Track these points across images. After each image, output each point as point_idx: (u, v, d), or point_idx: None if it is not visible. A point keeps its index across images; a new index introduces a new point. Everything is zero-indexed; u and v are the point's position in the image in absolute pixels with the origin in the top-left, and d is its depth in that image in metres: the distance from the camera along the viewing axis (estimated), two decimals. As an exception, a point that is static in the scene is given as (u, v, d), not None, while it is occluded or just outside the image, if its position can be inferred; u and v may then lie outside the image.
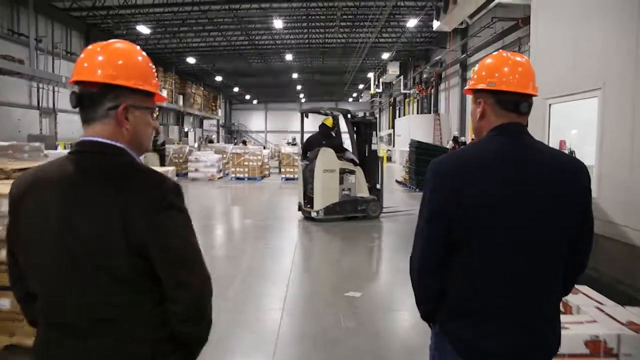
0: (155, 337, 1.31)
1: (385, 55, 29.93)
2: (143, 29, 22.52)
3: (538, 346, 1.53)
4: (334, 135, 10.37)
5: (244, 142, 31.85)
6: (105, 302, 1.27)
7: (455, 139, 18.17)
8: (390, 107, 41.66)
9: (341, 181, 9.48)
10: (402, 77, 33.80)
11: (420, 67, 31.55)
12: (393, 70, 31.73)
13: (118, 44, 1.34)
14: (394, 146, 34.32)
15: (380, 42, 29.30)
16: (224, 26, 27.27)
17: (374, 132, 10.05)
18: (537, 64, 5.85)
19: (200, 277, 1.32)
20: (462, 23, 18.85)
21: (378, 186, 9.98)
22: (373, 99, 46.30)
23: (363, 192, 9.74)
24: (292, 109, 59.04)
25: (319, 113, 10.85)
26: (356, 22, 26.45)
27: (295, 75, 40.83)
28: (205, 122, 46.89)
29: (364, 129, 10.18)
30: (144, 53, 1.39)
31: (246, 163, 18.82)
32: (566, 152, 6.37)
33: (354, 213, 9.69)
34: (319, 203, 9.38)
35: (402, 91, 33.79)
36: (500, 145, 1.53)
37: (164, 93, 27.67)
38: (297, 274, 6.29)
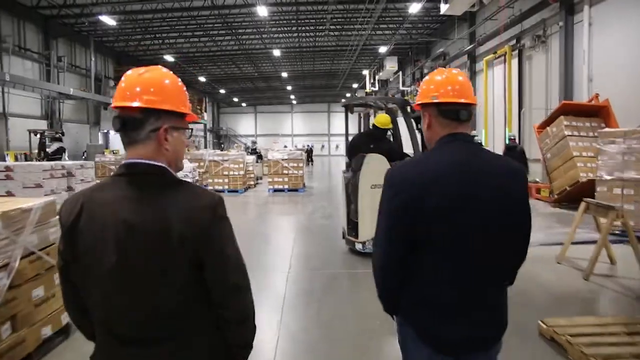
0: (210, 342, 1.43)
1: (383, 49, 27.35)
2: (108, 20, 19.63)
3: (486, 334, 1.71)
4: (389, 137, 7.43)
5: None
6: (165, 309, 1.35)
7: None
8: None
9: None
10: (400, 72, 31.23)
11: (421, 62, 29.15)
12: (391, 65, 29.23)
13: (155, 70, 1.45)
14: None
15: (377, 34, 26.76)
16: (213, 31, 25.69)
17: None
18: None
19: (247, 282, 1.48)
20: (473, 5, 16.15)
21: None
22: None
23: None
24: (283, 111, 57.15)
25: (367, 106, 7.93)
26: (346, 26, 25.31)
27: (285, 76, 38.49)
28: (191, 126, 44.11)
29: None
30: (179, 79, 1.48)
31: (225, 173, 15.97)
32: None
33: None
34: (365, 231, 6.55)
35: (401, 88, 31.18)
36: (450, 155, 1.68)
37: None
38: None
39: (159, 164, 1.41)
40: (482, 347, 1.73)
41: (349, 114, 7.80)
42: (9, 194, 10.47)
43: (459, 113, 1.71)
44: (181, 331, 1.38)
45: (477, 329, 1.68)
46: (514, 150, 11.64)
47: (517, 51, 16.87)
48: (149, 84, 1.39)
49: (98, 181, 1.56)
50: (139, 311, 1.35)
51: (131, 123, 1.38)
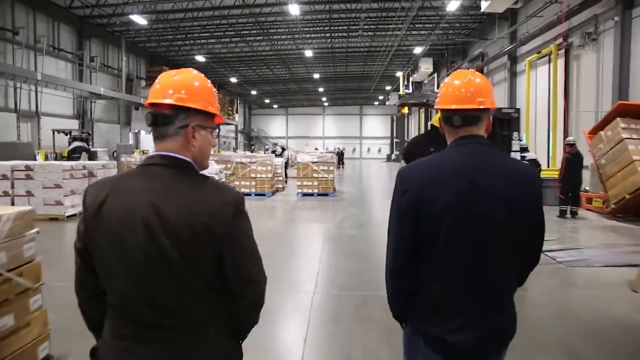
0: (220, 326, 1.48)
1: (418, 50, 26.46)
2: (139, 19, 19.48)
3: (496, 337, 1.69)
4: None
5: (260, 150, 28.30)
6: (184, 295, 1.40)
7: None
8: (420, 110, 38.02)
9: None
10: (435, 74, 30.20)
11: (457, 63, 28.08)
12: (426, 67, 28.24)
13: (188, 72, 1.53)
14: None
15: (412, 34, 25.89)
16: (244, 32, 25.52)
17: (514, 134, 6.42)
18: None
19: (263, 274, 1.54)
20: (516, 2, 15.13)
21: None
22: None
23: None
24: (314, 113, 56.69)
25: (425, 105, 7.18)
26: (380, 25, 24.74)
27: (317, 78, 38.05)
28: (222, 127, 44.21)
29: (498, 127, 6.52)
30: (209, 80, 1.56)
31: (253, 175, 15.44)
32: None
33: None
34: None
35: (435, 90, 30.14)
36: (457, 157, 1.69)
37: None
38: None
39: (187, 158, 1.47)
40: (492, 354, 1.71)
41: (407, 113, 7.04)
42: (29, 193, 10.25)
43: (451, 119, 1.73)
44: (195, 317, 1.43)
45: (486, 335, 1.66)
46: (577, 157, 10.58)
47: (563, 50, 15.78)
48: (180, 84, 1.47)
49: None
50: (158, 295, 1.39)
51: (162, 118, 1.45)
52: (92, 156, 15.40)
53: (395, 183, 1.71)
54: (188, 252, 1.36)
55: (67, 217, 10.05)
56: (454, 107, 1.71)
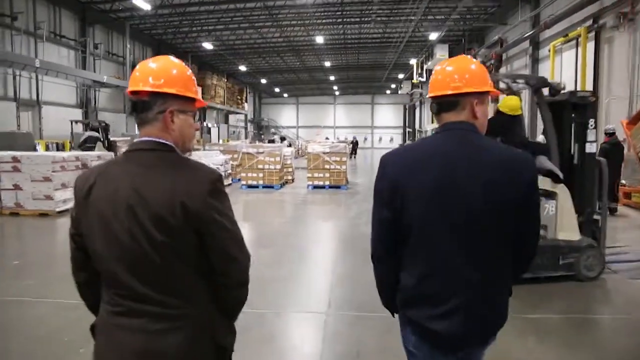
0: (208, 301, 1.53)
1: (433, 36, 25.40)
2: (142, 4, 18.66)
3: (478, 328, 1.65)
4: (519, 126, 5.68)
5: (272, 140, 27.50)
6: (172, 274, 1.46)
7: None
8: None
9: None
10: (450, 62, 29.16)
11: (474, 50, 26.88)
12: (441, 54, 27.10)
13: (165, 59, 1.59)
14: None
15: (427, 19, 24.84)
16: (253, 17, 24.53)
17: (590, 122, 5.42)
18: None
19: (246, 253, 1.56)
20: (542, -19, 14.07)
21: (596, 216, 5.56)
22: (414, 90, 41.67)
23: (569, 230, 5.28)
24: (325, 102, 55.82)
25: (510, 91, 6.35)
26: (394, 10, 23.92)
27: (328, 65, 37.17)
28: (231, 117, 43.47)
29: (569, 114, 5.54)
30: (187, 66, 1.63)
31: (260, 166, 14.61)
32: None
33: (551, 272, 5.20)
34: None
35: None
36: (437, 142, 1.69)
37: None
38: None
39: (167, 142, 1.52)
40: (481, 342, 1.70)
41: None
42: (16, 187, 9.36)
43: (431, 106, 1.77)
44: (184, 293, 1.48)
45: (474, 323, 1.63)
46: (617, 148, 9.60)
47: (593, 33, 14.69)
48: (157, 71, 1.53)
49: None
50: (148, 272, 1.45)
51: (140, 105, 1.52)
52: (111, 146, 14.72)
53: (378, 168, 1.73)
54: (169, 232, 1.41)
55: (58, 212, 9.26)
56: (433, 94, 1.73)
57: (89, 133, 14.50)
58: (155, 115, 1.49)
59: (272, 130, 43.15)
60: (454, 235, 1.59)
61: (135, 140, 1.54)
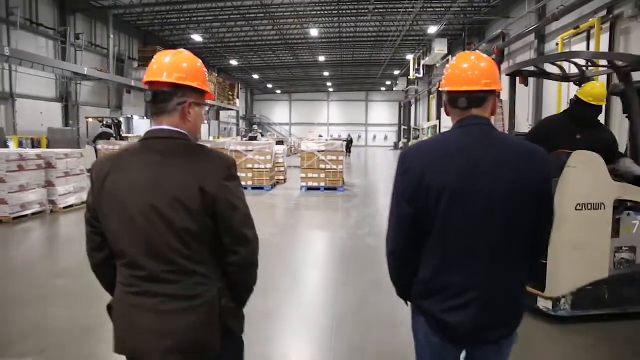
0: (219, 284, 1.62)
1: (432, 30, 24.43)
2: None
3: (499, 322, 1.65)
4: (600, 121, 4.62)
5: (253, 137, 26.34)
6: (184, 252, 1.54)
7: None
8: (431, 95, 36.05)
9: (616, 229, 4.11)
10: (449, 57, 28.19)
11: (474, 45, 26.04)
12: (440, 48, 26.40)
13: (183, 53, 1.69)
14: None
15: (426, 12, 23.89)
16: (243, 9, 23.45)
17: None
18: None
19: (254, 234, 1.67)
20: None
21: None
22: (409, 86, 40.75)
23: None
24: (318, 99, 54.82)
25: (546, 76, 5.26)
26: (392, 1, 23.20)
27: (322, 60, 36.18)
28: (222, 113, 42.26)
29: (638, 105, 4.53)
30: (200, 60, 1.71)
31: (249, 165, 13.50)
32: None
33: None
34: (561, 281, 4.01)
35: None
36: (460, 137, 1.69)
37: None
38: None
39: (182, 130, 1.62)
40: (493, 340, 1.67)
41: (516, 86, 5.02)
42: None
43: (457, 101, 1.72)
44: (196, 272, 1.56)
45: (487, 317, 1.62)
46: None
47: (608, 24, 13.73)
48: (178, 64, 1.62)
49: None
50: (163, 251, 1.53)
51: (161, 95, 1.60)
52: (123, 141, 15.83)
53: (397, 162, 1.71)
54: (187, 216, 1.50)
55: (14, 219, 8.04)
56: (463, 88, 1.71)
57: (102, 129, 15.94)
58: (175, 106, 1.61)
59: (254, 126, 41.82)
60: (476, 228, 1.60)
61: (150, 128, 1.64)
